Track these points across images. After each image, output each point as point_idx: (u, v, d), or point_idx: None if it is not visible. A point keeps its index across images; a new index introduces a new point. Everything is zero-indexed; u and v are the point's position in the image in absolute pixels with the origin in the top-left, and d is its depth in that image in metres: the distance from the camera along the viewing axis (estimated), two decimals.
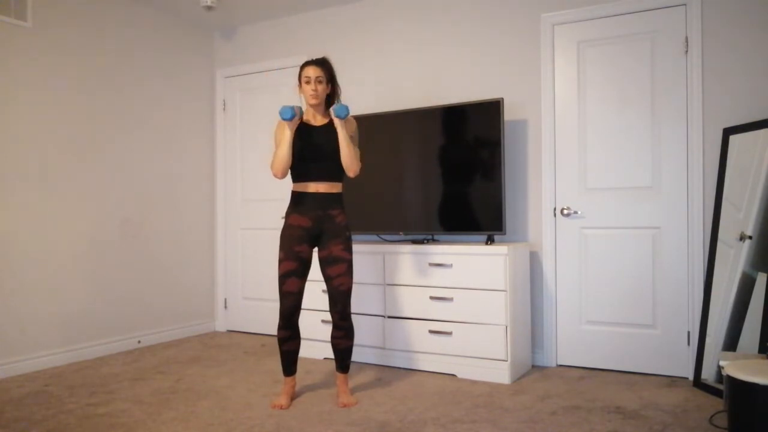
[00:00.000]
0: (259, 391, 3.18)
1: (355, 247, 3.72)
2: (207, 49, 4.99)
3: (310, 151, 2.90)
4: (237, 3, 4.39)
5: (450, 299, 3.45)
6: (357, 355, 3.74)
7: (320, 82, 2.88)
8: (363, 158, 3.87)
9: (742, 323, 2.91)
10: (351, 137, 2.94)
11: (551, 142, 3.67)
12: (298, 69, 3.02)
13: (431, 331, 3.51)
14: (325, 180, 2.92)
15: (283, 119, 2.80)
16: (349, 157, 2.89)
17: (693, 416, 2.70)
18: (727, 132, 3.19)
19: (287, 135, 2.85)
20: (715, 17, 3.26)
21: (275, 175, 2.89)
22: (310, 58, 3.05)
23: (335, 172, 2.94)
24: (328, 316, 3.77)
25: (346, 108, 2.83)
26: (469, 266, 3.40)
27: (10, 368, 3.53)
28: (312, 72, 2.87)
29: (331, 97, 2.99)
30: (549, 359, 3.66)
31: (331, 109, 2.85)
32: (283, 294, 2.89)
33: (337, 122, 2.86)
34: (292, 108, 2.80)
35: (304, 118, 2.98)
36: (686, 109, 3.34)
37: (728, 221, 3.10)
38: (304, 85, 2.89)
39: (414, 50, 4.14)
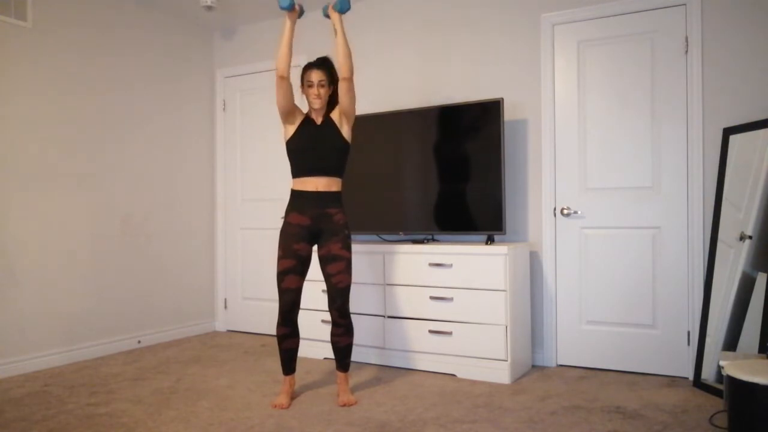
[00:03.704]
0: (259, 391, 3.18)
1: (355, 247, 3.72)
2: (207, 49, 4.99)
3: (311, 147, 2.92)
4: (237, 3, 4.39)
5: (450, 299, 3.45)
6: (357, 354, 3.74)
7: (322, 86, 2.90)
8: (363, 158, 3.89)
9: (742, 323, 2.91)
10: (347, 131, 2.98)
11: (551, 142, 3.67)
12: (298, 69, 3.03)
13: (431, 331, 3.51)
14: (325, 174, 2.93)
15: (282, 8, 2.81)
16: (344, 51, 2.86)
17: (693, 416, 2.70)
18: (727, 132, 3.19)
19: (288, 26, 2.86)
20: (715, 17, 3.26)
21: (276, 69, 2.85)
22: (310, 59, 3.06)
23: (334, 167, 2.96)
24: (327, 316, 3.77)
25: (348, 1, 2.84)
26: (469, 266, 3.40)
27: (10, 368, 3.53)
28: (315, 76, 2.89)
29: (333, 97, 3.00)
30: (549, 359, 3.66)
31: (332, 5, 2.88)
32: (282, 291, 2.91)
33: (335, 17, 2.89)
34: None
35: (308, 114, 2.99)
36: (686, 109, 3.34)
37: (728, 221, 3.10)
38: (307, 88, 2.91)
39: (414, 50, 4.14)
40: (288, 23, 2.86)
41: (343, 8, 2.81)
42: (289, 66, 2.86)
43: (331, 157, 2.93)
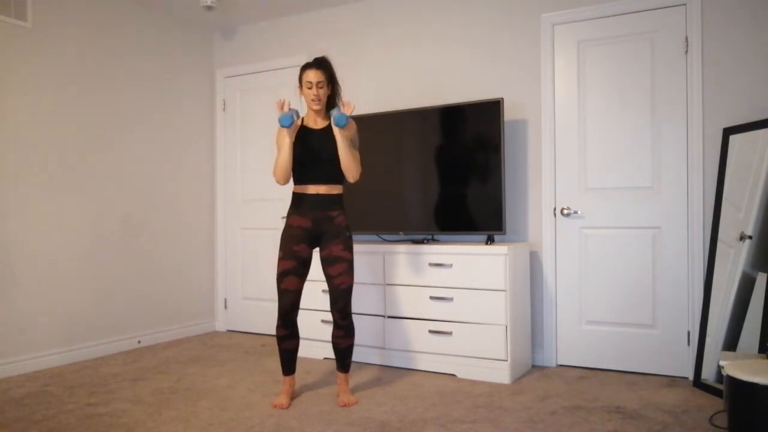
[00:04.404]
0: (259, 391, 3.18)
1: (355, 247, 3.72)
2: (207, 49, 4.99)
3: (310, 154, 2.92)
4: (237, 3, 4.39)
5: (450, 299, 3.45)
6: (357, 354, 3.74)
7: (321, 87, 2.90)
8: (363, 158, 3.87)
9: (742, 323, 2.91)
10: (351, 140, 2.96)
11: (551, 142, 3.67)
12: (297, 69, 3.04)
13: (431, 331, 3.51)
14: (325, 182, 2.93)
15: (282, 127, 2.82)
16: (348, 163, 2.91)
17: (693, 416, 2.70)
18: (727, 132, 3.19)
19: (287, 142, 2.88)
20: (715, 17, 3.26)
21: (277, 182, 2.94)
22: (309, 59, 3.06)
23: (335, 174, 2.96)
24: (327, 316, 3.77)
25: (346, 117, 2.83)
26: (469, 266, 3.40)
27: (10, 368, 3.53)
28: (313, 77, 2.88)
29: (332, 97, 3.01)
30: (549, 359, 3.66)
31: (332, 116, 2.86)
32: (281, 292, 2.91)
33: (336, 130, 2.87)
34: (291, 116, 2.81)
35: (305, 121, 2.99)
36: (686, 109, 3.34)
37: (728, 221, 3.10)
38: (305, 90, 2.91)
39: (414, 50, 4.14)
40: (288, 140, 2.88)
41: (339, 123, 2.83)
42: (288, 177, 2.94)
43: (331, 166, 2.93)
